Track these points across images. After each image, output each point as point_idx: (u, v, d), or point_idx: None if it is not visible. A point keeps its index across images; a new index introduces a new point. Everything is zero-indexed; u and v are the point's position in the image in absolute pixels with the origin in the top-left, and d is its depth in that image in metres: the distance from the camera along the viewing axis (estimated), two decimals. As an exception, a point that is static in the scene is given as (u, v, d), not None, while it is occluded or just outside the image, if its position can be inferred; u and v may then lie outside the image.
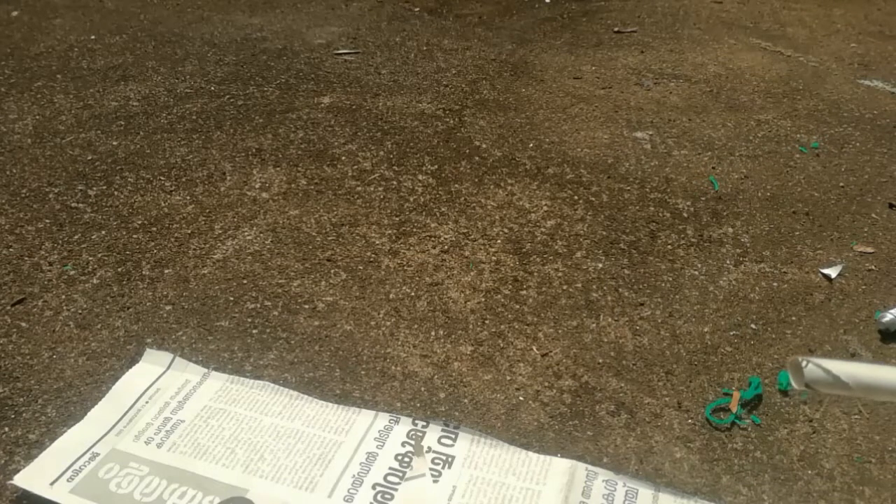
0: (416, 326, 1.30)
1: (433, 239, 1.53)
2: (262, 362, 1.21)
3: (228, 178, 1.72)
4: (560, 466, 1.03)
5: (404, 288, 1.39)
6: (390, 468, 1.02)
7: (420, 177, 1.75)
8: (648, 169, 1.81)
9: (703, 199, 1.69)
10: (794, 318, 1.34)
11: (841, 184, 1.77)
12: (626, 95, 2.20)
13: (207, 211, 1.60)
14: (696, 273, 1.45)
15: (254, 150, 1.84)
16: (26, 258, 1.44)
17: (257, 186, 1.69)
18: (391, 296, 1.37)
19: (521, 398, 1.16)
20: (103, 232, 1.52)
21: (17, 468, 1.01)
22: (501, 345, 1.27)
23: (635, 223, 1.60)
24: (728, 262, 1.48)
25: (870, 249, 1.53)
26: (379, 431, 1.08)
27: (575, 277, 1.43)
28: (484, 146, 1.89)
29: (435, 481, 1.01)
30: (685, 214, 1.63)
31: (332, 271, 1.43)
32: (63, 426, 1.07)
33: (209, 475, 1.00)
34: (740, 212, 1.65)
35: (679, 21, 2.86)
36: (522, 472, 1.02)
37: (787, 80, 2.33)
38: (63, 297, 1.34)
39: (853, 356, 1.26)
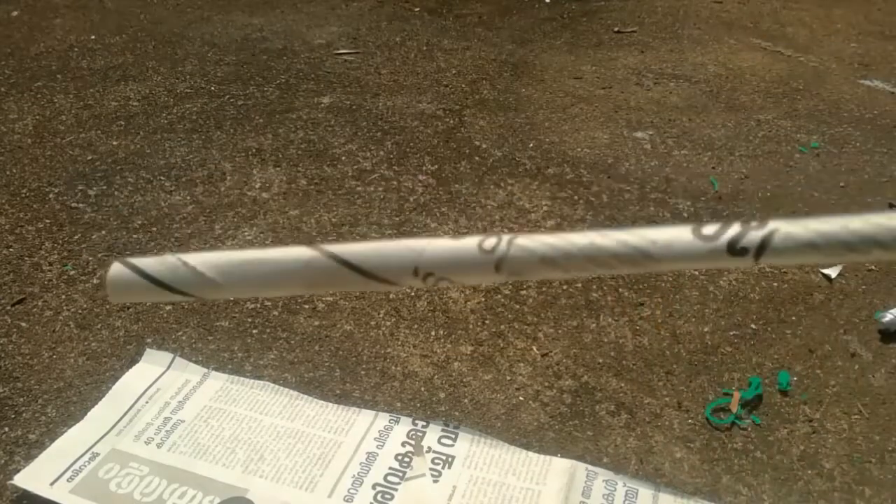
0: (416, 326, 1.30)
1: (433, 239, 1.53)
2: (262, 362, 1.21)
3: (228, 178, 1.72)
4: (560, 466, 1.03)
5: (404, 288, 1.39)
6: (390, 468, 1.02)
7: (420, 177, 1.75)
8: (648, 169, 1.81)
9: (703, 199, 1.69)
10: (794, 318, 1.34)
11: (841, 184, 1.77)
12: (626, 95, 2.20)
13: (207, 211, 1.60)
14: (696, 273, 1.45)
15: (254, 150, 1.84)
16: (26, 258, 1.44)
17: (257, 186, 1.69)
18: (391, 296, 1.37)
19: (521, 398, 1.16)
20: (103, 232, 1.52)
21: (17, 468, 1.01)
22: (501, 345, 1.26)
23: (635, 223, 1.60)
24: (728, 262, 1.48)
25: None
26: (379, 431, 1.08)
27: (575, 277, 1.43)
28: (484, 146, 1.89)
29: (435, 481, 1.01)
30: (685, 214, 1.63)
31: (332, 271, 1.43)
32: (63, 426, 1.07)
33: (209, 475, 1.00)
34: (740, 212, 1.65)
35: (679, 21, 2.85)
36: (522, 472, 1.02)
37: (787, 80, 2.33)
38: (63, 297, 1.34)
39: (853, 356, 1.26)
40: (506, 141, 1.92)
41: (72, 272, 1.40)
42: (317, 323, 1.30)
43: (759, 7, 3.04)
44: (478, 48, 2.55)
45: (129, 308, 1.32)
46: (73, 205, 1.61)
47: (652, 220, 1.60)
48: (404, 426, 1.08)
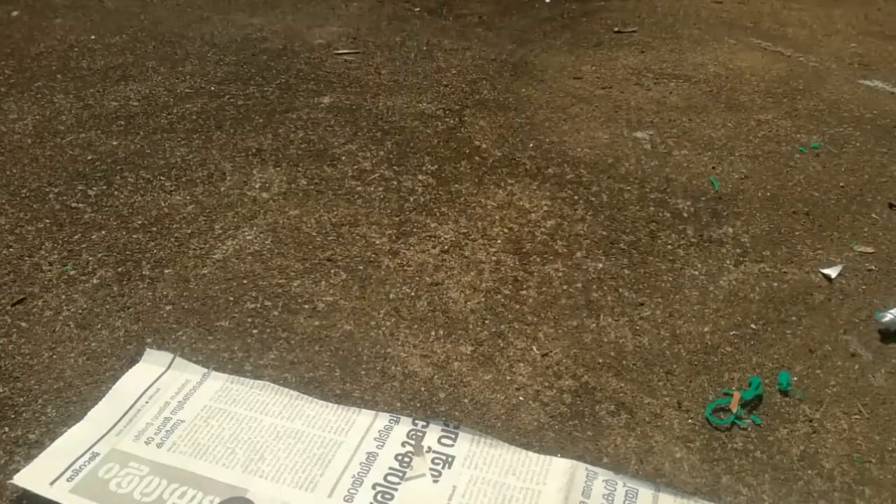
0: (416, 326, 1.30)
1: (433, 239, 1.53)
2: (262, 362, 1.21)
3: (228, 178, 1.72)
4: (560, 466, 1.03)
5: (404, 288, 1.39)
6: (390, 468, 1.02)
7: (420, 177, 1.75)
8: (648, 169, 1.81)
9: (703, 199, 1.69)
10: (794, 318, 1.34)
11: (841, 184, 1.77)
12: (626, 95, 2.20)
13: (207, 211, 1.60)
14: (696, 273, 1.45)
15: (254, 150, 1.84)
16: (26, 258, 1.44)
17: (257, 186, 1.69)
18: (391, 296, 1.37)
19: (521, 398, 1.16)
20: (103, 232, 1.52)
21: (17, 468, 1.01)
22: (501, 345, 1.26)
23: (635, 223, 1.60)
24: (728, 262, 1.48)
25: (870, 249, 1.53)
26: (379, 431, 1.08)
27: (575, 277, 1.43)
28: (484, 146, 1.89)
29: (435, 481, 1.01)
30: (685, 214, 1.63)
31: (332, 271, 1.43)
32: (63, 426, 1.07)
33: (209, 475, 1.00)
34: (740, 212, 1.65)
35: (679, 21, 2.86)
36: (522, 472, 1.02)
37: (787, 80, 2.33)
38: (63, 297, 1.34)
39: (853, 356, 1.26)
40: (506, 141, 1.92)
41: (72, 272, 1.40)
42: (317, 323, 1.30)
43: (759, 7, 3.04)
44: (478, 48, 2.55)
45: (129, 308, 1.32)
46: (73, 205, 1.61)
47: (652, 220, 1.60)
48: (404, 426, 1.08)
